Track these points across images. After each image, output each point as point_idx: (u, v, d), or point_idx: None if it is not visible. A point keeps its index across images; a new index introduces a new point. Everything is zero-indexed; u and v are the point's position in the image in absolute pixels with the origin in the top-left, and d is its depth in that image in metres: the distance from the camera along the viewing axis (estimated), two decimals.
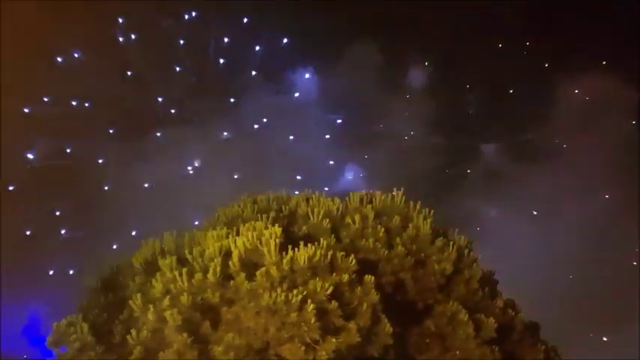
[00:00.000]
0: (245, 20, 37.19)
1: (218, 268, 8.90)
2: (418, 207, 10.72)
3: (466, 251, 10.78)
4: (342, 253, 9.26)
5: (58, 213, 34.34)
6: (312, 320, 8.51)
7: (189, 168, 37.08)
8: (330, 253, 9.07)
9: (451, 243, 10.46)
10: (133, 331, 9.07)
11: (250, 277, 8.83)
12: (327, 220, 10.11)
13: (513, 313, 10.88)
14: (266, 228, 9.23)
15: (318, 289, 8.72)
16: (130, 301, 9.30)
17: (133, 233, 31.73)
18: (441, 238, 10.48)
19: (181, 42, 36.45)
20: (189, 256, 9.36)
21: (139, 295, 9.23)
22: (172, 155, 36.10)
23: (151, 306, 8.97)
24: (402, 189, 10.96)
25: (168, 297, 8.93)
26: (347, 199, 10.92)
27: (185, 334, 8.72)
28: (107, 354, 9.63)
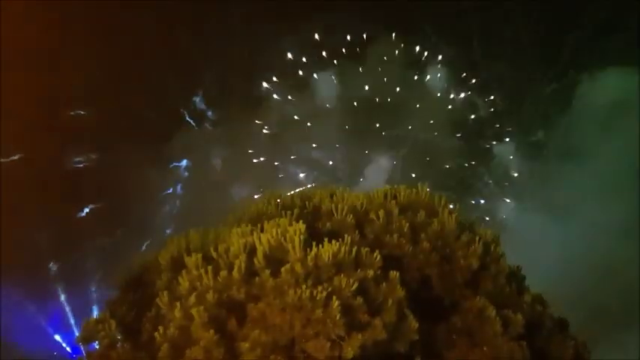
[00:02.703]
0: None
1: (243, 265, 8.93)
2: (443, 201, 10.60)
3: (493, 246, 10.63)
4: (366, 249, 9.22)
5: (86, 214, 34.95)
6: (338, 317, 8.49)
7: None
8: (354, 249, 9.04)
9: (477, 238, 10.32)
10: (160, 329, 9.15)
11: (275, 273, 8.84)
12: (352, 216, 10.05)
13: (542, 309, 10.71)
14: (290, 224, 9.23)
15: (343, 286, 8.69)
16: (157, 299, 9.39)
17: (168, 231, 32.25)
18: (467, 232, 10.35)
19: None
20: (214, 254, 9.41)
21: (165, 293, 9.31)
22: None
23: (177, 303, 9.04)
24: (427, 183, 10.85)
25: (194, 294, 8.99)
26: (371, 194, 10.85)
27: (212, 331, 8.76)
28: (135, 351, 9.75)
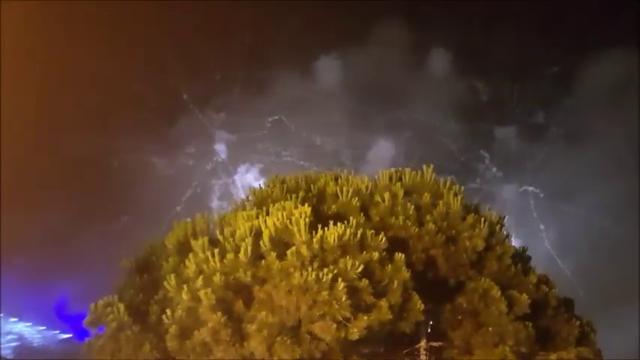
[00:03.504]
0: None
1: (249, 248, 8.99)
2: (449, 183, 10.59)
3: (498, 227, 10.65)
4: (371, 231, 9.26)
5: (92, 200, 35.18)
6: (343, 298, 8.56)
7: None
8: (359, 232, 9.08)
9: (482, 219, 10.33)
10: (168, 311, 9.26)
11: (281, 256, 8.91)
12: (357, 199, 10.06)
13: (547, 289, 10.74)
14: (295, 207, 9.26)
15: (349, 268, 8.75)
16: (165, 282, 9.48)
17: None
18: (472, 214, 10.35)
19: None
20: (220, 237, 9.47)
21: (172, 276, 9.40)
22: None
23: (185, 286, 9.14)
24: (432, 165, 10.82)
25: (201, 277, 9.07)
26: (376, 177, 10.84)
27: (219, 313, 8.87)
28: (143, 333, 9.86)
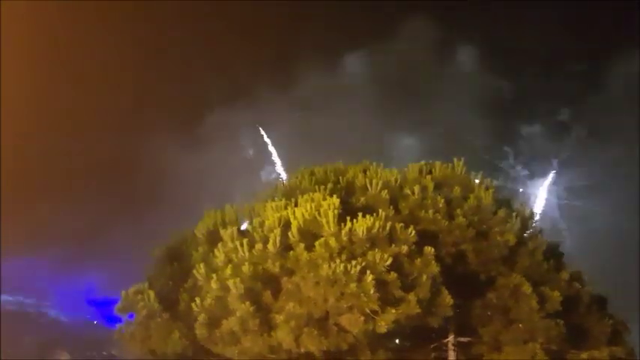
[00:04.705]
0: None
1: (278, 239, 9.00)
2: (480, 177, 10.43)
3: (530, 222, 10.47)
4: (401, 224, 9.18)
5: (121, 191, 35.85)
6: (372, 291, 8.51)
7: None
8: (388, 225, 9.01)
9: (514, 214, 10.16)
10: (197, 299, 9.34)
11: (309, 247, 8.89)
12: (386, 191, 9.96)
13: (580, 287, 10.52)
14: (324, 199, 9.23)
15: (377, 260, 8.69)
16: (194, 271, 9.56)
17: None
18: (504, 209, 10.19)
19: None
20: (249, 227, 9.50)
21: (202, 265, 9.48)
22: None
23: (214, 275, 9.20)
24: (462, 159, 10.67)
25: (230, 266, 9.12)
26: (405, 169, 10.74)
27: (247, 303, 8.91)
28: (173, 321, 9.98)
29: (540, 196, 36.83)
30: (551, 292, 9.76)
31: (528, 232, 10.29)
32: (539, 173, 37.42)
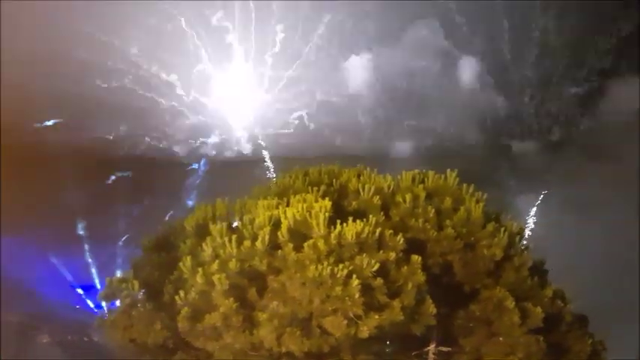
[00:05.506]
0: None
1: (267, 237, 9.01)
2: (471, 189, 10.48)
3: (517, 238, 10.53)
4: (390, 231, 9.21)
5: (114, 180, 35.79)
6: (357, 295, 8.55)
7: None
8: (378, 230, 9.04)
9: (502, 229, 10.22)
10: (182, 292, 9.33)
11: (298, 248, 8.91)
12: (378, 197, 10.00)
13: (562, 304, 10.62)
14: (316, 201, 9.25)
15: (364, 265, 8.73)
16: (180, 263, 9.55)
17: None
18: (493, 223, 10.25)
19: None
20: (239, 223, 9.51)
21: (189, 258, 9.47)
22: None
23: (200, 269, 9.19)
24: (456, 170, 10.72)
25: (217, 261, 9.12)
26: (399, 177, 10.78)
27: (231, 299, 8.92)
28: (155, 312, 9.96)
29: (530, 212, 37.33)
30: (533, 308, 9.84)
31: (515, 247, 10.33)
32: (529, 190, 37.92)
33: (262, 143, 37.94)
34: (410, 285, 9.00)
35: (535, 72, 37.46)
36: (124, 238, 34.37)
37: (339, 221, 8.95)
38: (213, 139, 37.80)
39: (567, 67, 37.51)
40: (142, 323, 9.93)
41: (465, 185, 10.56)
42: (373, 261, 8.77)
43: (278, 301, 8.93)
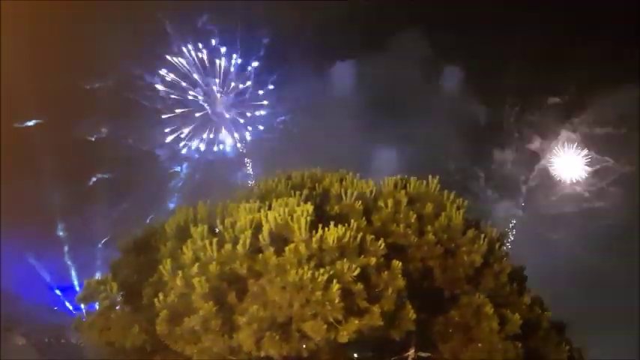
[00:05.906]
0: None
1: (248, 241, 8.98)
2: (452, 196, 10.56)
3: (497, 245, 10.62)
4: (371, 236, 9.23)
5: (95, 182, 35.48)
6: (337, 300, 8.54)
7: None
8: (359, 235, 9.06)
9: (482, 235, 10.31)
10: (161, 295, 9.25)
11: (279, 252, 8.89)
12: (360, 202, 10.04)
13: (540, 311, 10.72)
14: (298, 205, 9.25)
15: (345, 270, 8.73)
16: (160, 266, 9.47)
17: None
18: (473, 229, 10.33)
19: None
20: (220, 226, 9.46)
21: (169, 260, 9.39)
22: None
23: (180, 272, 9.12)
24: (438, 177, 10.79)
25: (197, 264, 9.06)
26: (381, 182, 10.82)
27: (211, 302, 8.86)
28: (134, 314, 9.87)
29: (509, 219, 37.84)
30: (512, 315, 9.92)
31: (495, 254, 10.42)
32: (508, 197, 38.50)
33: (245, 147, 37.96)
34: (390, 290, 9.02)
35: (518, 81, 38.02)
36: (104, 239, 34.12)
37: (320, 225, 8.95)
38: (196, 143, 37.74)
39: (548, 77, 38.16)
40: (119, 326, 9.82)
41: (446, 192, 10.63)
42: (354, 266, 8.77)
43: (258, 304, 8.89)
